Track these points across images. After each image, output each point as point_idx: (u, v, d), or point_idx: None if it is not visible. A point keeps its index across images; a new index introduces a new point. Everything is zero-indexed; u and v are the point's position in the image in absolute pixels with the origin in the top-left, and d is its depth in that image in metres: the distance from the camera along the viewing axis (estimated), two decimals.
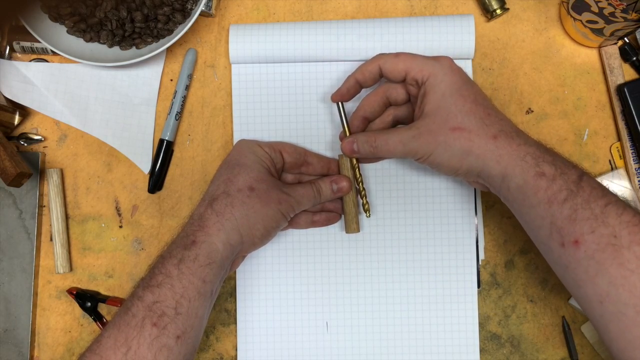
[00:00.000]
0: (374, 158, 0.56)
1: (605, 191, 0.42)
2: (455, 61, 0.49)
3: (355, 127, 0.53)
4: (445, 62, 0.48)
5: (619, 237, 0.39)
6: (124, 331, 0.43)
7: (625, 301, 0.38)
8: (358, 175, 0.54)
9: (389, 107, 0.54)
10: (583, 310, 0.42)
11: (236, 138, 0.57)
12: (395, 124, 0.54)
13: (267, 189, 0.49)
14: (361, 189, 0.54)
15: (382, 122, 0.54)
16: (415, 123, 0.48)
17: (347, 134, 0.53)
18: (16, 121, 0.58)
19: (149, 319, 0.43)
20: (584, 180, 0.42)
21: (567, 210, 0.41)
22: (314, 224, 0.55)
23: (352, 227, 0.54)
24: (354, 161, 0.53)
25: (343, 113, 0.53)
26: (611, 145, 0.56)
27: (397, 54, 0.50)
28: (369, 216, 0.55)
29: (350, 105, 0.55)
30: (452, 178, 0.56)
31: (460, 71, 0.48)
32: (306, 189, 0.52)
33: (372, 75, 0.51)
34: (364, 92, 0.54)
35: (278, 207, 0.49)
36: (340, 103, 0.53)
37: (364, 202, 0.54)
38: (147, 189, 0.58)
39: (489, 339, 0.56)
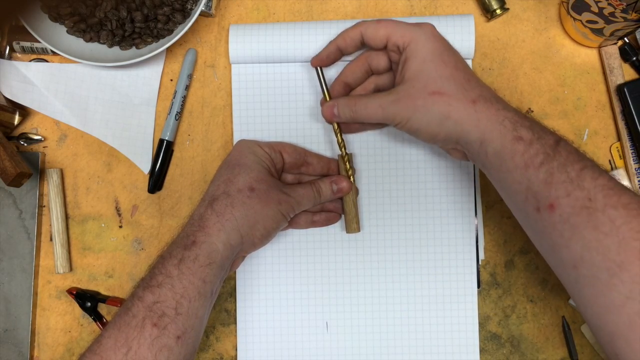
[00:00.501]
0: (355, 125, 0.55)
1: (581, 156, 0.42)
2: None
3: (336, 93, 0.53)
4: (427, 28, 0.48)
5: (594, 200, 0.39)
6: (124, 331, 0.43)
7: (599, 265, 0.38)
8: (340, 140, 0.53)
9: (371, 75, 0.54)
10: (558, 277, 0.42)
11: (236, 138, 0.57)
12: (377, 92, 0.54)
13: (267, 189, 0.49)
14: (344, 154, 0.54)
15: (364, 90, 0.54)
16: (395, 88, 0.48)
17: (327, 99, 0.53)
18: (16, 121, 0.58)
19: (150, 319, 0.43)
20: (561, 145, 0.42)
21: (543, 174, 0.41)
22: (314, 224, 0.55)
23: (353, 226, 0.54)
24: (336, 126, 0.53)
25: (322, 78, 0.53)
26: (611, 145, 0.56)
27: (379, 20, 0.49)
28: (354, 181, 0.54)
29: (332, 74, 0.55)
30: (452, 177, 0.56)
31: (441, 38, 0.48)
32: (306, 189, 0.52)
33: (353, 42, 0.51)
34: (341, 68, 0.54)
35: (278, 208, 0.49)
36: (319, 68, 0.53)
37: (348, 167, 0.54)
38: (147, 189, 0.58)
39: (489, 339, 0.56)
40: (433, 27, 0.48)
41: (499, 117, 0.44)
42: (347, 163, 0.54)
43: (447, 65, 0.46)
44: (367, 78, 0.54)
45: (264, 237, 0.49)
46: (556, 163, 0.41)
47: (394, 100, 0.47)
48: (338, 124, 0.53)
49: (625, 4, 0.47)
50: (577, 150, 0.43)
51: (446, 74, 0.46)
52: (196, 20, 0.54)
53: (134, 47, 0.57)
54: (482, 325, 0.56)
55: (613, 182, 0.40)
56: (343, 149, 0.53)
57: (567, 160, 0.41)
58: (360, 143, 0.57)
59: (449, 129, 0.45)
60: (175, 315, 0.44)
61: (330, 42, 0.52)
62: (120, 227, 0.58)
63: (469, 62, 0.56)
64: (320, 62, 0.53)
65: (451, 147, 0.48)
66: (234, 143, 0.56)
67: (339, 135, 0.53)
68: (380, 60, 0.52)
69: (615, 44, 0.56)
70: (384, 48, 0.50)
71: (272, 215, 0.49)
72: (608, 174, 0.40)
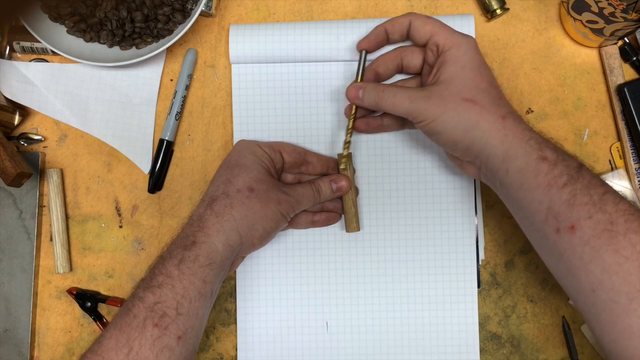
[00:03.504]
0: (374, 123, 0.54)
1: (603, 182, 0.42)
2: None
3: (366, 78, 0.53)
4: (471, 39, 0.48)
5: (616, 223, 0.39)
6: (125, 332, 0.43)
7: (618, 289, 0.38)
8: (350, 126, 0.53)
9: (398, 80, 0.54)
10: (574, 302, 0.42)
11: (236, 138, 0.57)
12: None
13: (266, 189, 0.49)
14: (345, 153, 0.53)
15: None
16: (428, 87, 0.48)
17: (358, 82, 0.52)
18: (16, 121, 0.58)
19: (151, 320, 0.43)
20: (584, 169, 0.43)
21: (566, 195, 0.41)
22: (314, 224, 0.55)
23: (352, 226, 0.54)
24: (350, 124, 0.53)
25: (363, 63, 0.52)
26: (611, 145, 0.56)
27: (429, 16, 0.50)
28: (353, 181, 0.54)
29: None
30: (452, 177, 0.56)
31: (481, 53, 0.49)
32: (305, 189, 0.52)
33: (401, 28, 0.51)
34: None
35: (277, 208, 0.49)
36: (364, 52, 0.53)
37: (347, 138, 0.53)
38: (147, 189, 0.58)
39: (489, 339, 0.56)
40: (475, 41, 0.49)
41: (525, 136, 0.44)
42: (347, 162, 0.54)
43: (483, 78, 0.47)
44: (397, 73, 0.54)
45: (263, 238, 0.49)
46: (580, 185, 0.41)
47: (425, 96, 0.47)
48: (353, 122, 0.53)
49: (625, 4, 0.47)
50: (598, 176, 0.43)
51: (482, 86, 0.46)
52: (196, 20, 0.54)
53: (134, 47, 0.57)
54: (482, 325, 0.56)
55: (634, 209, 0.40)
56: (346, 150, 0.53)
57: (590, 183, 0.41)
58: (361, 143, 0.57)
59: (474, 139, 0.45)
60: (176, 315, 0.44)
61: (379, 25, 0.52)
62: (121, 227, 0.58)
63: None
64: (367, 46, 0.53)
65: (468, 159, 0.48)
66: (234, 143, 0.56)
67: (349, 135, 0.53)
68: (414, 58, 0.52)
69: (616, 44, 0.56)
70: (424, 45, 0.50)
71: (271, 216, 0.49)
72: (629, 201, 0.41)
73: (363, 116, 0.54)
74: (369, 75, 0.53)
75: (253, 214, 0.48)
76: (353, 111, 0.53)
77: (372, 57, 0.54)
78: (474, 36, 0.54)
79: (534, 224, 0.44)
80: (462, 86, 0.46)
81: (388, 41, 0.53)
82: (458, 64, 0.47)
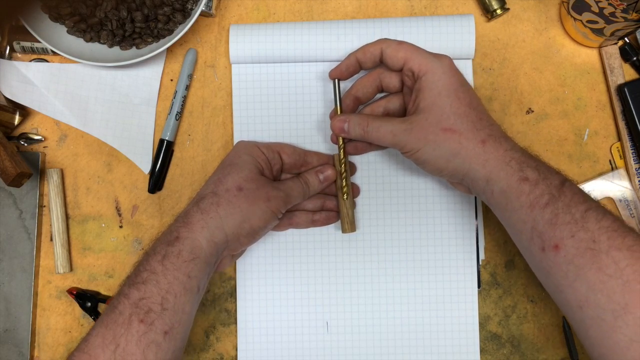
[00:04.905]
0: (362, 146, 0.55)
1: (586, 197, 0.42)
2: (456, 61, 0.49)
3: (346, 106, 0.54)
4: (445, 61, 0.48)
5: (598, 241, 0.40)
6: (111, 329, 0.43)
7: (603, 306, 0.39)
8: (342, 157, 0.53)
9: (381, 98, 0.54)
10: (566, 316, 0.43)
11: (236, 138, 0.57)
12: (385, 116, 0.54)
13: (255, 188, 0.49)
14: (342, 170, 0.53)
15: (372, 112, 0.54)
16: (409, 117, 0.48)
17: (339, 112, 0.53)
18: (16, 121, 0.58)
19: (136, 316, 0.43)
20: (566, 185, 0.43)
21: (548, 214, 0.42)
22: (314, 223, 0.55)
23: (345, 227, 0.54)
24: (341, 141, 0.53)
25: (338, 91, 0.53)
26: (611, 145, 0.56)
27: (401, 42, 0.50)
28: (346, 198, 0.54)
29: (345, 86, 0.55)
30: None
31: (458, 72, 0.49)
32: (294, 182, 0.52)
33: (372, 57, 0.51)
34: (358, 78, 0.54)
35: (267, 205, 0.49)
36: (337, 80, 0.53)
37: (344, 184, 0.53)
38: (147, 189, 0.58)
39: (489, 339, 0.56)
40: (451, 60, 0.49)
41: (506, 158, 0.45)
42: (342, 161, 0.53)
43: (461, 102, 0.47)
44: (377, 99, 0.54)
45: (250, 236, 0.49)
46: (561, 204, 0.42)
47: (406, 129, 0.47)
48: (344, 140, 0.53)
49: (625, 3, 0.47)
50: (582, 190, 0.43)
51: (460, 111, 0.46)
52: (196, 20, 0.54)
53: (134, 47, 0.57)
54: (482, 325, 0.56)
55: (617, 224, 0.40)
56: (344, 165, 0.53)
57: (571, 201, 0.42)
58: None
59: (456, 166, 0.46)
60: (161, 310, 0.44)
61: (350, 55, 0.52)
62: (121, 227, 0.58)
63: (469, 63, 0.56)
64: (339, 75, 0.53)
65: (456, 181, 0.49)
66: (234, 143, 0.56)
67: (342, 150, 0.53)
68: (392, 80, 0.52)
69: (616, 44, 0.56)
70: (399, 70, 0.50)
71: (260, 214, 0.49)
72: (612, 215, 0.41)
73: (349, 141, 0.55)
74: (348, 102, 0.53)
75: (240, 212, 0.48)
76: (341, 142, 0.53)
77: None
78: (474, 36, 0.55)
79: (521, 242, 0.45)
80: (440, 115, 0.46)
81: (361, 68, 0.53)
82: (434, 90, 0.47)
